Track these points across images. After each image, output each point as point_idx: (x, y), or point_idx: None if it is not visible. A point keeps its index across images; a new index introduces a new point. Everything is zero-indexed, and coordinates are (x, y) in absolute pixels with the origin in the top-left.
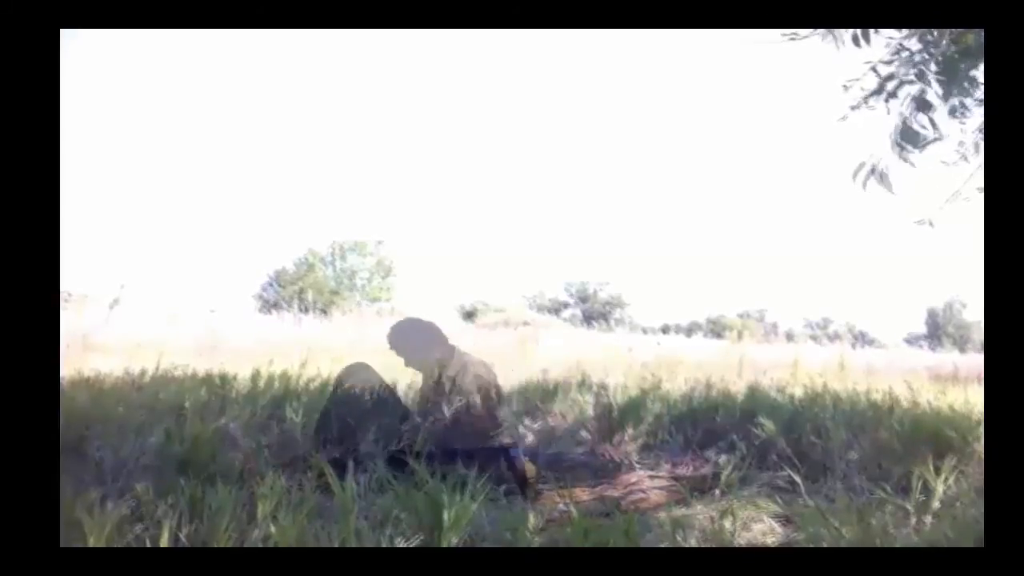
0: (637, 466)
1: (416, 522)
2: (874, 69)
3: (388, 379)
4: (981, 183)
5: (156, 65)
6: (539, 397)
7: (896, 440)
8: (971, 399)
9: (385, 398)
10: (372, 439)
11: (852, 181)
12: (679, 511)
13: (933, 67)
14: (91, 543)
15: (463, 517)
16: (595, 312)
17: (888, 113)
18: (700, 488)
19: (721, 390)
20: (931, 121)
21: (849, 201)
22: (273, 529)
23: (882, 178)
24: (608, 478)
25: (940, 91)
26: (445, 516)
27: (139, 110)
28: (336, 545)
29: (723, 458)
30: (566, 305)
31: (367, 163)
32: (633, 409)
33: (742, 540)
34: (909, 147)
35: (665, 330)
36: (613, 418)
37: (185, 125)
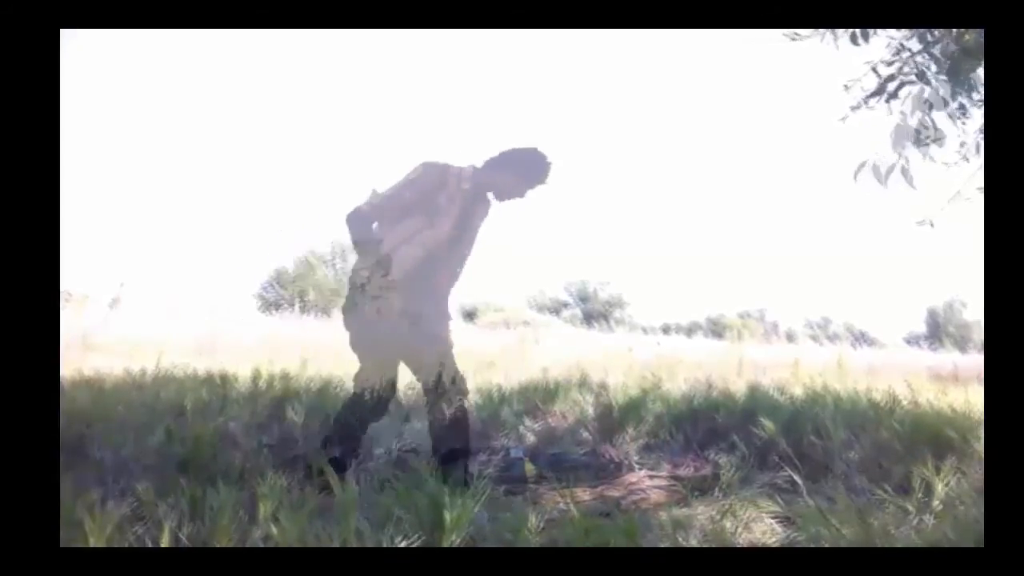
0: (637, 466)
1: (417, 522)
2: (874, 69)
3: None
4: (982, 183)
5: (156, 65)
6: (540, 397)
7: (896, 440)
8: (971, 399)
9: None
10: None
11: (854, 181)
12: (680, 511)
13: (934, 67)
14: (91, 543)
15: (464, 517)
16: (595, 312)
17: (890, 113)
18: (701, 488)
19: (722, 390)
20: (932, 121)
21: (849, 201)
22: (274, 530)
23: (901, 172)
24: (609, 478)
25: (941, 91)
26: (446, 516)
27: (139, 110)
28: (337, 545)
29: (723, 458)
30: (566, 305)
31: (368, 163)
32: (633, 409)
33: (742, 540)
34: (909, 147)
35: (666, 330)
36: (613, 418)
37: (185, 125)
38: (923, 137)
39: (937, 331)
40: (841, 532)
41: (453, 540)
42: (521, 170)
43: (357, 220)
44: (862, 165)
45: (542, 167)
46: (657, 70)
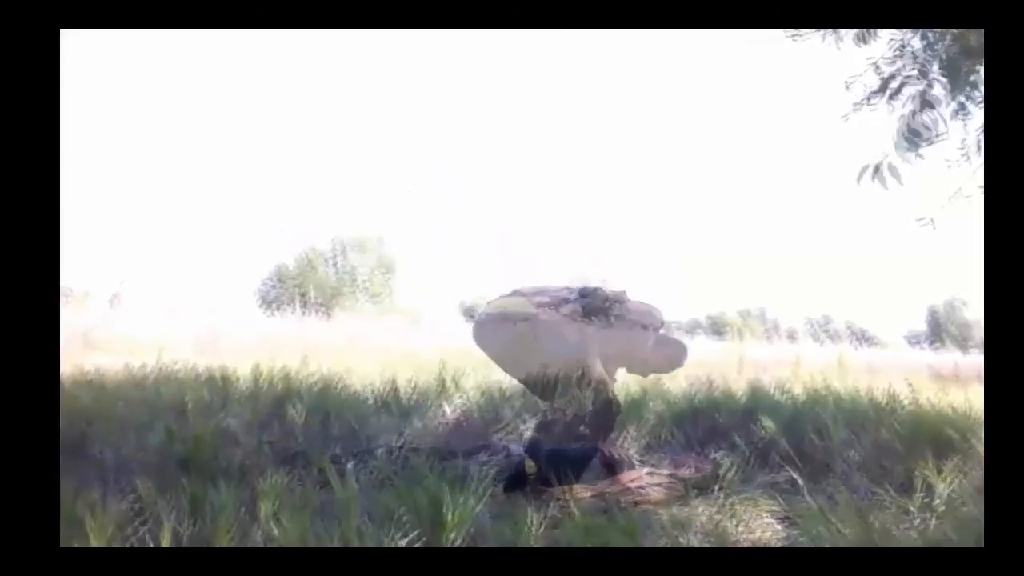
0: (637, 465)
1: (417, 520)
2: (876, 68)
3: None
4: (983, 182)
5: (156, 65)
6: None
7: (897, 440)
8: (972, 399)
9: None
10: None
11: (857, 184)
12: (680, 510)
13: (935, 66)
14: (92, 543)
15: (465, 516)
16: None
17: (891, 112)
18: (701, 487)
19: (722, 389)
20: (934, 120)
21: (850, 201)
22: (276, 531)
23: (891, 171)
24: (609, 477)
25: (943, 90)
26: (447, 515)
27: (139, 109)
28: (338, 544)
29: (724, 457)
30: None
31: (368, 161)
32: (634, 408)
33: (743, 540)
34: (911, 145)
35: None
36: None
37: (186, 123)
38: (924, 136)
39: (938, 330)
40: (842, 532)
41: (453, 539)
42: (670, 356)
43: (601, 301)
44: (865, 169)
45: (679, 363)
46: (658, 70)
